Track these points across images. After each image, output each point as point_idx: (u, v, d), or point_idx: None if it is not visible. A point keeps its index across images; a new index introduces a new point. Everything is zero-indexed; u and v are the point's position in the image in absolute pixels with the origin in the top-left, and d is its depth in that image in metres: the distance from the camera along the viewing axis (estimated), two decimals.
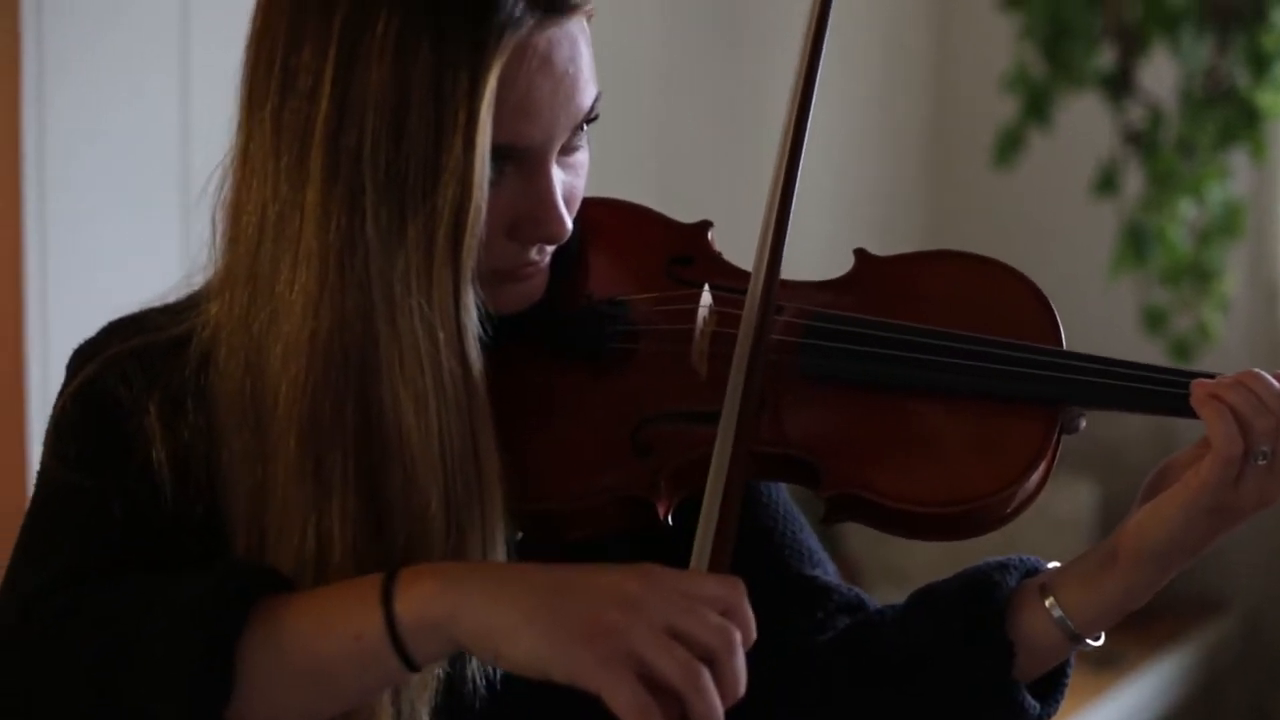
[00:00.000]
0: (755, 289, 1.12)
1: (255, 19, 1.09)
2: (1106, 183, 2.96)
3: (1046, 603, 1.16)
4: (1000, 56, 3.15)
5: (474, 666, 1.10)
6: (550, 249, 1.14)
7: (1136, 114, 3.00)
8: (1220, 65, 2.90)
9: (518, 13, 1.05)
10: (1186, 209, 2.89)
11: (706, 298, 1.17)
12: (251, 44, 1.09)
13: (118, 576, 1.07)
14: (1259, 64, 2.85)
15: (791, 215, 1.15)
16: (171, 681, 1.00)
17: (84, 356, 1.16)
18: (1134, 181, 2.99)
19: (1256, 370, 1.12)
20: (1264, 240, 3.16)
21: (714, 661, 0.97)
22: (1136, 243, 2.88)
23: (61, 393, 1.15)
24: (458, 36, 1.04)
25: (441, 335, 1.05)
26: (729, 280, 1.20)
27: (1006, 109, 3.06)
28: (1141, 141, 2.96)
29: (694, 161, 2.75)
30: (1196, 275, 2.95)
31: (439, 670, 1.09)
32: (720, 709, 0.97)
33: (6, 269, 1.82)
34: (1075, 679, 3.00)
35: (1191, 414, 1.12)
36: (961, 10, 3.43)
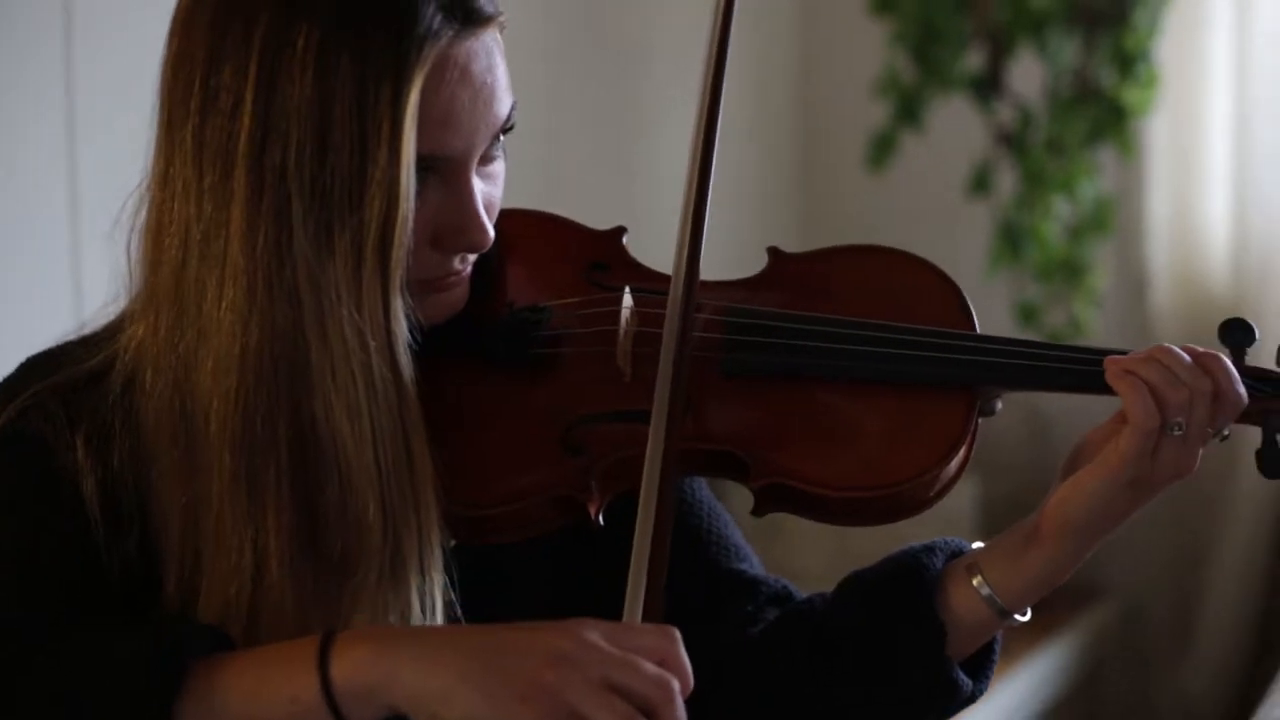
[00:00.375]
0: (676, 288, 1.14)
1: (171, 42, 1.10)
2: (980, 183, 3.02)
3: (974, 581, 1.19)
4: (868, 61, 3.18)
5: None
6: (472, 258, 1.15)
7: (1006, 115, 3.06)
8: (1087, 65, 2.97)
9: (436, 25, 1.06)
10: (1059, 206, 2.95)
11: (628, 300, 1.19)
12: (168, 66, 1.09)
13: (54, 627, 1.06)
14: (1124, 63, 2.91)
15: (707, 215, 1.17)
16: None
17: (3, 396, 1.15)
18: (1006, 181, 3.04)
19: (1167, 345, 1.16)
20: (1131, 234, 3.23)
21: (653, 712, 0.98)
22: (1012, 241, 2.93)
23: None
24: (379, 49, 1.05)
25: (373, 344, 1.06)
26: (647, 283, 1.22)
27: (877, 113, 3.11)
28: (1012, 141, 3.02)
29: (579, 169, 2.77)
30: (1069, 270, 3.01)
31: None
32: None
33: None
34: None
35: (1107, 390, 1.15)
36: (827, 16, 3.46)
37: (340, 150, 1.04)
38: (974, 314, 1.23)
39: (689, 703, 1.14)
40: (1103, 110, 2.92)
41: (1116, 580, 3.42)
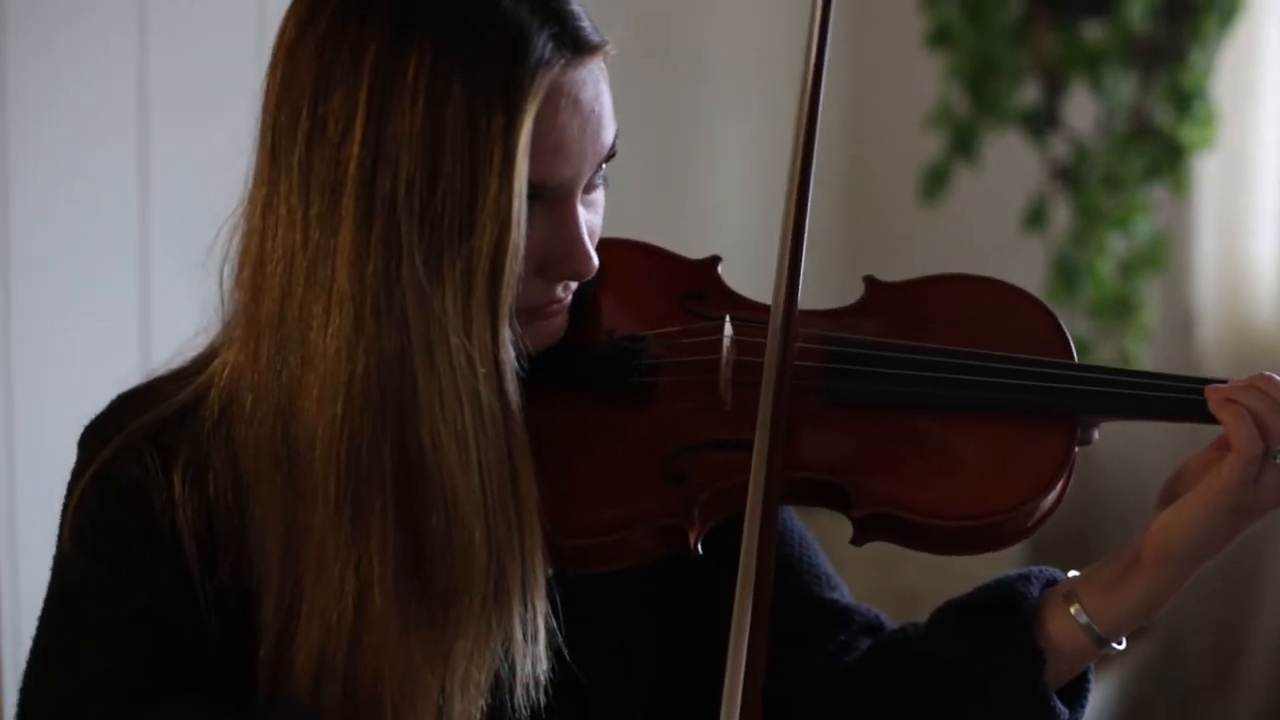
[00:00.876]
0: (775, 318, 1.14)
1: (275, 70, 1.09)
2: (1035, 217, 3.02)
3: (1072, 609, 1.19)
4: (920, 93, 3.20)
5: (518, 696, 1.10)
6: (574, 286, 1.15)
7: (1061, 149, 3.07)
8: (1143, 102, 2.97)
9: (548, 54, 1.07)
10: (1114, 242, 2.95)
11: (729, 329, 1.19)
12: (273, 94, 1.09)
13: (150, 689, 1.07)
14: (1181, 101, 2.92)
15: (805, 250, 1.17)
16: None
17: (95, 434, 1.15)
18: (1061, 216, 3.05)
19: (1268, 373, 1.16)
20: (1181, 271, 3.24)
21: None
22: (1066, 276, 2.94)
23: (75, 477, 1.15)
24: (491, 78, 1.05)
25: (481, 371, 1.06)
26: (743, 312, 1.22)
27: (929, 146, 3.11)
28: (1067, 176, 3.02)
29: (637, 190, 2.78)
30: (1121, 306, 3.01)
31: (482, 702, 1.09)
32: None
33: None
34: None
35: (1208, 419, 1.16)
36: (879, 47, 3.48)
37: (452, 178, 1.04)
38: (1072, 344, 1.23)
39: None
40: (1159, 148, 2.93)
41: (1160, 617, 3.43)
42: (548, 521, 1.11)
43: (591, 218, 1.14)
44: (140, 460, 1.11)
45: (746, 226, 2.99)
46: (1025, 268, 3.16)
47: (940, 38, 3.04)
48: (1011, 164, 3.13)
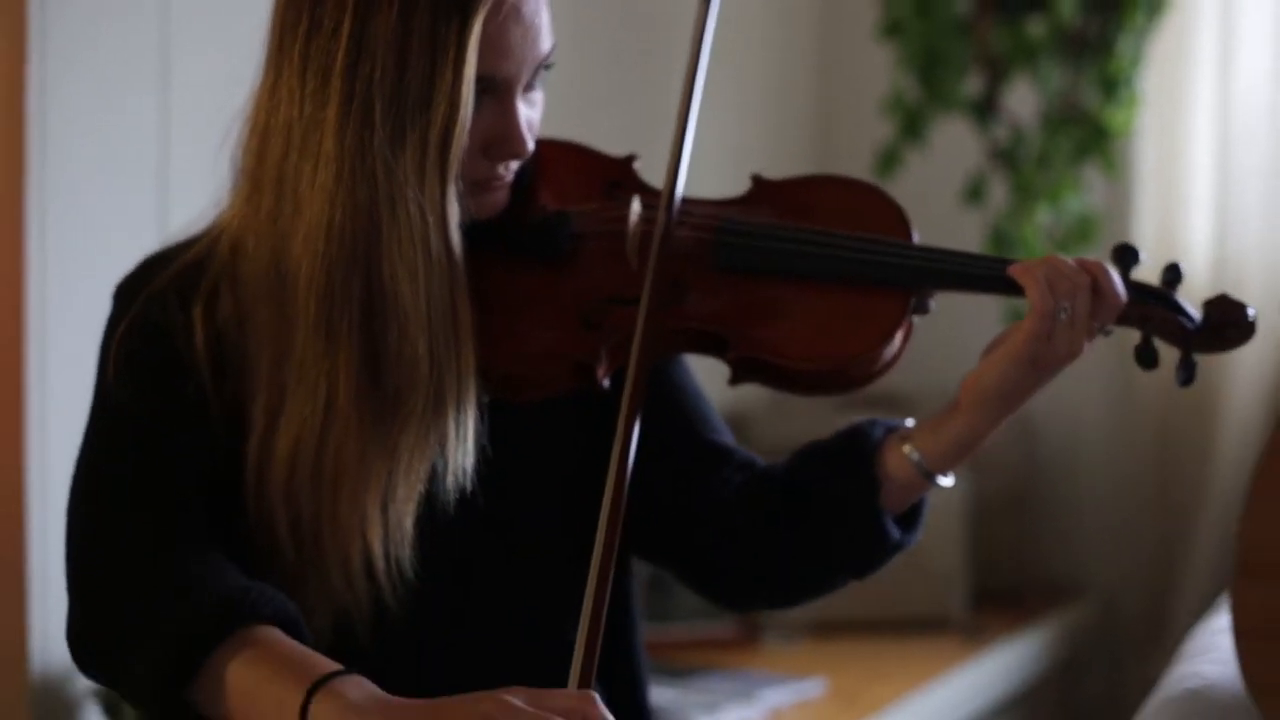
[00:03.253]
0: (664, 196, 1.41)
1: None
2: (974, 193, 3.26)
3: (904, 448, 1.44)
4: (878, 82, 3.43)
5: (448, 482, 1.36)
6: (514, 165, 1.41)
7: (1001, 134, 3.30)
8: (1074, 89, 3.21)
9: None
10: (1044, 216, 3.19)
11: (636, 205, 1.46)
12: (279, 2, 1.35)
13: (174, 503, 1.33)
14: (1107, 88, 3.16)
15: (690, 140, 1.43)
16: (159, 655, 1.25)
17: (126, 290, 1.43)
18: (998, 193, 3.28)
19: (1054, 254, 1.42)
20: None
21: None
22: (1001, 247, 3.17)
23: (111, 324, 1.41)
24: None
25: (431, 219, 1.32)
26: (652, 197, 1.48)
27: (885, 129, 3.36)
28: (1005, 157, 3.26)
29: (603, 109, 3.01)
30: None
31: (420, 486, 1.35)
32: None
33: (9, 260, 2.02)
34: (945, 649, 3.24)
35: (1011, 286, 1.41)
36: (844, 41, 3.71)
37: (415, 68, 1.30)
38: (911, 226, 1.48)
39: (670, 553, 1.39)
40: (1087, 130, 3.16)
41: (1094, 578, 3.60)
42: (484, 352, 1.37)
43: (530, 113, 1.40)
44: (165, 305, 1.38)
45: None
46: (965, 239, 3.38)
47: (892, 30, 3.27)
48: (956, 146, 3.36)
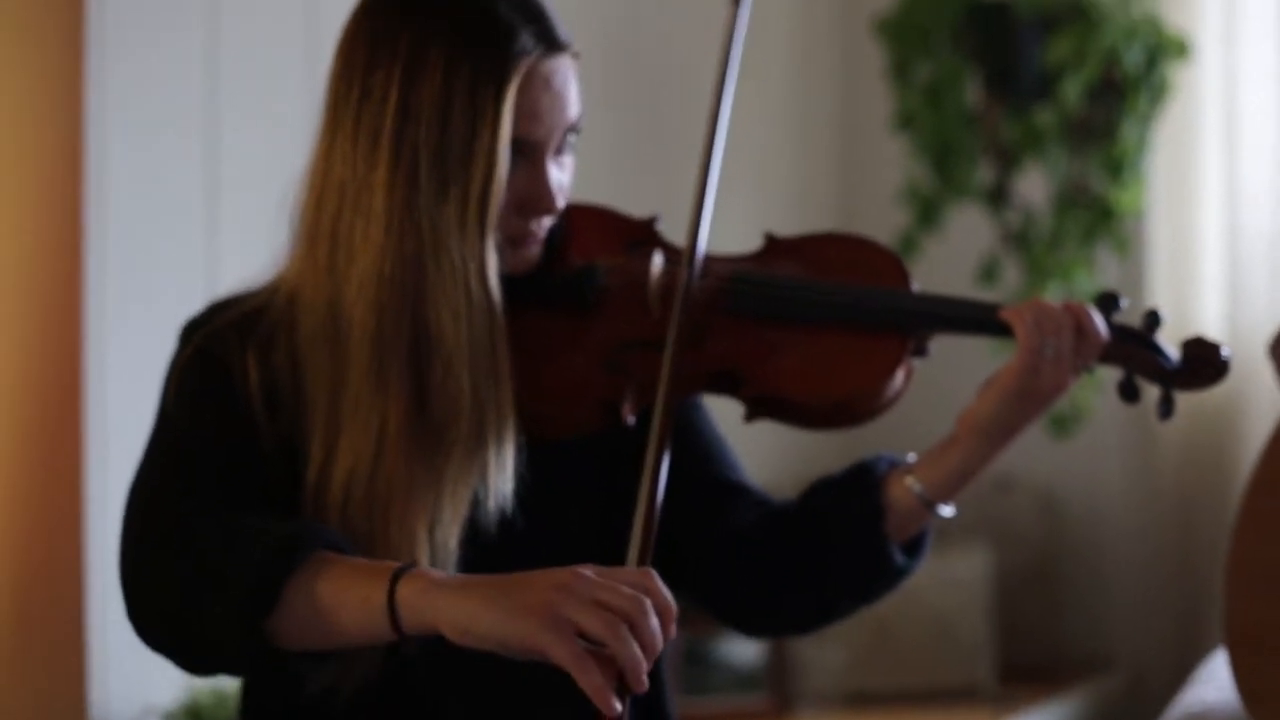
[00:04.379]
0: (688, 249, 1.55)
1: (336, 59, 1.50)
2: (988, 274, 3.39)
3: (907, 480, 1.57)
4: (896, 172, 3.55)
5: (490, 508, 1.48)
6: (546, 222, 1.55)
7: (1013, 218, 3.44)
8: (1082, 173, 3.34)
9: (529, 46, 1.47)
10: (1056, 295, 3.31)
11: (658, 259, 1.59)
12: (335, 74, 1.50)
13: (224, 492, 1.43)
14: (1114, 171, 3.30)
15: (711, 200, 1.57)
16: (236, 591, 1.34)
17: (192, 328, 1.55)
18: (1012, 274, 3.40)
19: (1038, 298, 1.55)
20: None
21: (632, 622, 1.24)
22: None
23: (176, 357, 1.54)
24: (488, 60, 1.45)
25: (472, 267, 1.45)
26: (673, 253, 1.62)
27: (903, 217, 3.49)
28: (1018, 240, 3.39)
29: (628, 175, 3.18)
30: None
31: (464, 511, 1.47)
32: (642, 657, 1.23)
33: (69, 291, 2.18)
34: (976, 716, 3.29)
35: (1001, 329, 1.54)
36: (861, 133, 3.85)
37: (457, 130, 1.44)
38: (910, 277, 1.62)
39: (693, 583, 1.51)
40: (1096, 212, 3.29)
41: (1121, 649, 3.68)
42: (519, 394, 1.49)
43: (561, 175, 1.54)
44: (225, 343, 1.51)
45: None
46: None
47: (905, 122, 3.43)
48: (970, 230, 3.49)
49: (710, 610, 1.68)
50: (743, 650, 3.24)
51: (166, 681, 2.19)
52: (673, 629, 1.26)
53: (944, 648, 3.35)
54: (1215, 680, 1.88)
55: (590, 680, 1.22)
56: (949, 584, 3.40)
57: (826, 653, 3.30)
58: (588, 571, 1.27)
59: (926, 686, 3.33)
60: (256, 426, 1.48)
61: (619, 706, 1.22)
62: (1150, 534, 3.67)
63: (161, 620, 1.38)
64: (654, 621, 1.25)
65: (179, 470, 1.46)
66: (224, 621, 1.33)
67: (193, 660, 1.39)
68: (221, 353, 1.50)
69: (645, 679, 1.24)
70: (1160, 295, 3.55)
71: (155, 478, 1.47)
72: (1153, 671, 3.64)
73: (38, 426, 2.17)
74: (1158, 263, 3.56)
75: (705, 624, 3.20)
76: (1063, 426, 3.43)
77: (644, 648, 1.24)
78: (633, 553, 1.34)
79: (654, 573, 1.29)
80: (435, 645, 1.48)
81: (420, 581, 1.31)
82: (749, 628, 1.70)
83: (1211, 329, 3.52)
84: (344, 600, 1.32)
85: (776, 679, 3.27)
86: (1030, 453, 3.66)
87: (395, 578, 1.31)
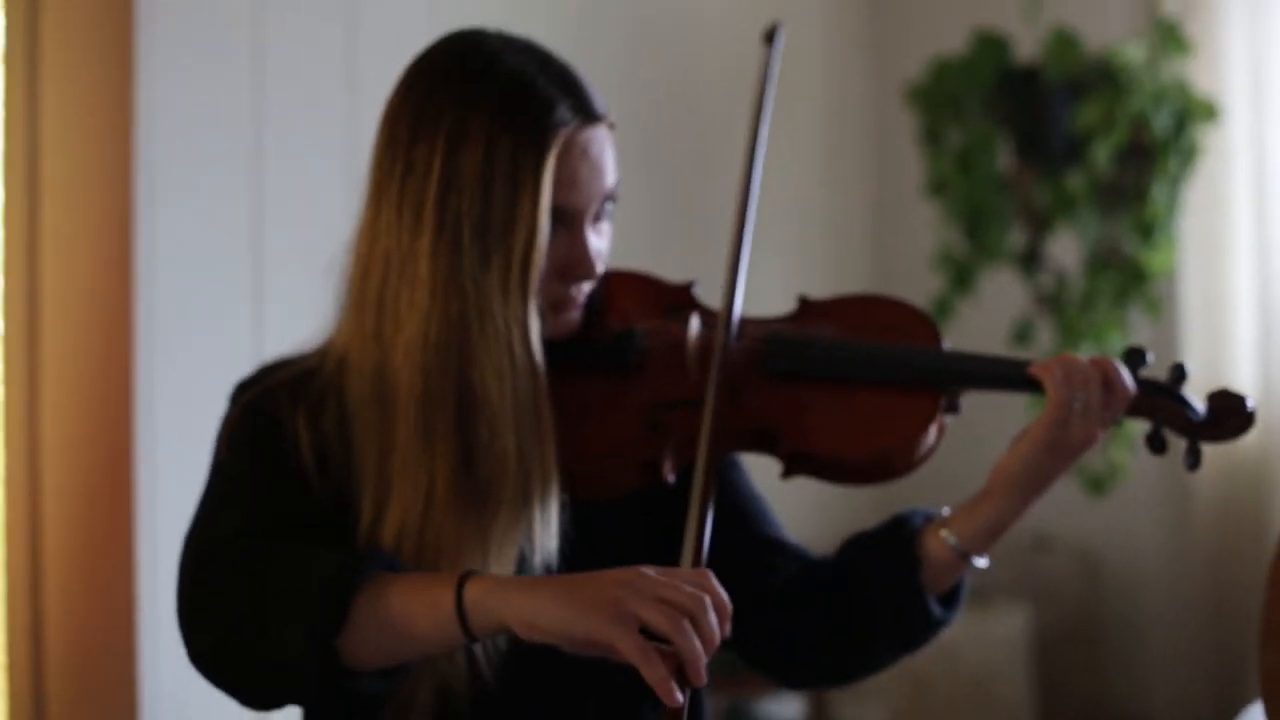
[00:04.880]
0: (723, 312, 1.60)
1: (381, 131, 1.55)
2: (1021, 336, 3.43)
3: (942, 533, 1.60)
4: (930, 237, 3.62)
5: (536, 566, 1.51)
6: (586, 287, 1.60)
7: (1046, 280, 3.47)
8: (1113, 236, 3.39)
9: (567, 118, 1.52)
10: (1090, 354, 3.33)
11: (695, 322, 1.64)
12: (380, 148, 1.55)
13: (278, 534, 1.47)
14: (1145, 233, 3.34)
15: (745, 264, 1.62)
16: (304, 614, 1.38)
17: (243, 388, 1.60)
18: (1045, 335, 3.44)
19: (1067, 353, 1.59)
20: None
21: (693, 618, 1.30)
22: None
23: (228, 416, 1.58)
24: (528, 132, 1.50)
25: (515, 330, 1.50)
26: (710, 316, 1.67)
27: (937, 282, 3.54)
28: (1051, 302, 3.43)
29: (666, 238, 3.24)
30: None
31: (510, 568, 1.50)
32: (702, 650, 1.29)
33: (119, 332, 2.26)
34: None
35: (1032, 383, 1.58)
36: (895, 199, 3.91)
37: (499, 198, 1.49)
38: (941, 335, 1.66)
39: (740, 638, 1.55)
40: (1128, 274, 3.33)
41: (1160, 707, 3.71)
42: (562, 454, 1.54)
43: (599, 242, 1.59)
44: (276, 401, 1.55)
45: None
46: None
47: (938, 188, 3.48)
48: (1003, 293, 3.54)
49: (752, 664, 1.72)
50: (783, 709, 3.26)
51: None
52: (728, 626, 1.32)
53: (983, 706, 3.37)
54: None
55: (655, 672, 1.28)
56: (988, 642, 3.44)
57: (866, 710, 3.32)
58: (649, 571, 1.32)
59: None
60: (307, 480, 1.52)
61: (681, 697, 1.27)
62: (1187, 590, 3.69)
63: (228, 655, 1.41)
64: (713, 618, 1.30)
65: (235, 513, 1.50)
66: (296, 645, 1.37)
67: (261, 692, 1.43)
68: (273, 410, 1.55)
69: (704, 673, 1.29)
70: (1193, 354, 3.59)
71: (211, 522, 1.51)
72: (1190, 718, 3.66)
73: (91, 484, 2.24)
74: (1190, 323, 3.61)
75: (747, 683, 3.23)
76: (1099, 486, 3.46)
77: (704, 642, 1.29)
78: (688, 555, 1.39)
79: (710, 572, 1.34)
80: (484, 701, 1.52)
81: (487, 581, 1.36)
82: (790, 680, 1.73)
83: (1245, 387, 3.57)
84: (412, 609, 1.37)
85: None
86: (1068, 512, 3.71)
87: (461, 582, 1.36)
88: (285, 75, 2.50)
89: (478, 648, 1.51)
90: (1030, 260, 3.46)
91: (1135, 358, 1.62)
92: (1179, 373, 1.64)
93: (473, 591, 1.36)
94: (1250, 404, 1.63)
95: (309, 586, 1.39)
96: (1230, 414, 1.63)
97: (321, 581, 1.39)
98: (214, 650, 1.42)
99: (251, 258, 2.44)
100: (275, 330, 2.36)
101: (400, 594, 1.39)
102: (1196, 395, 1.67)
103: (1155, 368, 1.64)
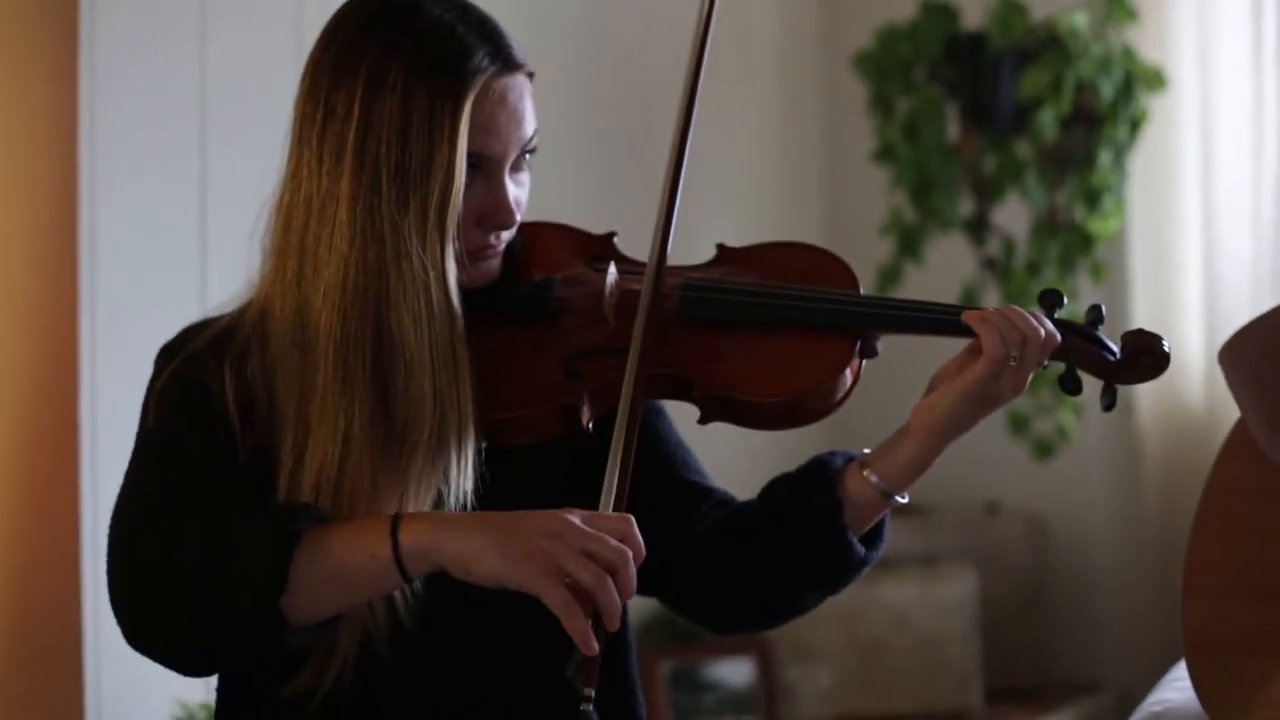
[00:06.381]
0: (650, 264, 1.61)
1: (303, 80, 1.56)
2: (968, 301, 3.45)
3: (864, 472, 1.61)
4: (879, 204, 3.63)
5: (452, 508, 1.53)
6: (505, 235, 1.61)
7: (993, 246, 3.50)
8: (1059, 201, 3.41)
9: (484, 64, 1.54)
10: None
11: (613, 271, 1.65)
12: (302, 94, 1.56)
13: (206, 501, 1.50)
14: (1091, 198, 3.36)
15: (676, 214, 1.63)
16: (248, 578, 1.43)
17: (167, 351, 1.61)
18: (991, 299, 3.46)
19: (1010, 305, 1.60)
20: None
21: (615, 572, 1.42)
22: None
23: (154, 380, 1.59)
24: (445, 78, 1.52)
25: (432, 274, 1.51)
26: (629, 266, 1.68)
27: (886, 248, 3.57)
28: (997, 267, 3.46)
29: (590, 189, 3.26)
30: (1053, 384, 3.41)
31: (427, 511, 1.53)
32: (620, 604, 1.42)
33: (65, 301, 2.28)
34: None
35: (963, 331, 1.58)
36: (844, 166, 3.92)
37: (416, 144, 1.50)
38: (858, 281, 1.67)
39: (658, 580, 1.58)
40: (1074, 239, 3.36)
41: (1108, 671, 3.74)
42: (480, 401, 1.55)
43: (518, 190, 1.60)
44: (203, 364, 1.56)
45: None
46: (959, 345, 3.57)
47: (885, 154, 3.50)
48: (951, 260, 3.55)
49: (679, 609, 1.73)
50: (732, 673, 3.29)
51: (161, 701, 2.26)
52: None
53: (932, 671, 3.40)
54: (1179, 681, 1.92)
55: (576, 624, 1.41)
56: (937, 607, 3.45)
57: (815, 673, 3.35)
58: (575, 519, 1.44)
59: (915, 709, 3.37)
60: (235, 440, 1.54)
61: (597, 646, 1.41)
62: (1136, 554, 3.72)
63: (167, 624, 1.45)
64: (633, 570, 1.43)
65: (163, 481, 1.52)
66: (243, 610, 1.43)
67: (202, 659, 1.49)
68: (198, 373, 1.57)
69: (619, 620, 1.43)
70: (1140, 319, 3.60)
71: (141, 492, 1.53)
72: (1140, 692, 3.54)
73: (33, 453, 2.24)
74: (1137, 288, 3.63)
75: (696, 648, 3.25)
76: (1046, 450, 3.49)
77: (622, 594, 1.43)
78: (609, 499, 1.48)
79: (632, 519, 1.45)
80: (404, 646, 1.54)
81: (420, 525, 1.46)
82: (718, 625, 1.75)
83: (1192, 351, 3.60)
84: (348, 559, 1.46)
85: (766, 702, 3.32)
86: (1016, 477, 3.73)
87: (394, 531, 1.45)
88: (231, 59, 2.52)
89: (396, 593, 1.53)
90: (978, 226, 3.49)
91: (1052, 299, 1.63)
92: (1096, 314, 1.65)
93: (407, 538, 1.45)
94: (1165, 345, 1.64)
95: (247, 550, 1.45)
96: (1145, 353, 1.64)
97: (260, 544, 1.44)
98: (150, 622, 1.46)
99: (198, 243, 2.45)
100: (221, 283, 2.37)
101: (337, 545, 1.46)
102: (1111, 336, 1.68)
103: (1107, 334, 1.64)
